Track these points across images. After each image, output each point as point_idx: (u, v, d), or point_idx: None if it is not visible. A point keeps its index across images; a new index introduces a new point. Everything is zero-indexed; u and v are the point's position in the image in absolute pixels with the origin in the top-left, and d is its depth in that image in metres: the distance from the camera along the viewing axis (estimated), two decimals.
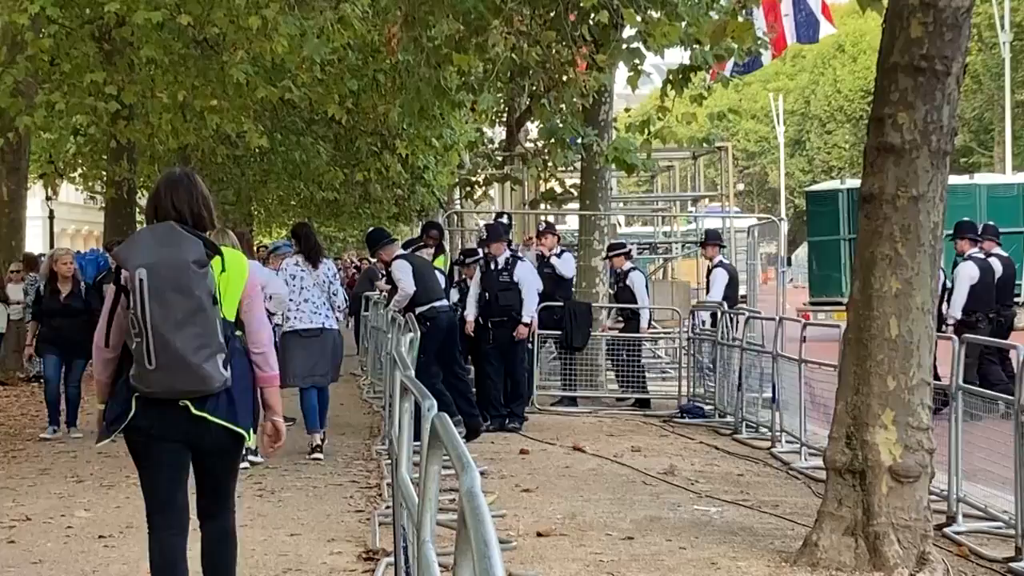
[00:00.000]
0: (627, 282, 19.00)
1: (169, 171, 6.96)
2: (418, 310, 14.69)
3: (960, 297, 17.19)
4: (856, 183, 37.01)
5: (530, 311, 16.40)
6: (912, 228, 8.51)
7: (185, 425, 6.41)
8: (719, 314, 17.87)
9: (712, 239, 20.10)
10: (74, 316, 15.43)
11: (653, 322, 20.41)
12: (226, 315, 6.51)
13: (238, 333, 6.68)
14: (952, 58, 8.45)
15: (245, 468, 11.76)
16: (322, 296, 14.05)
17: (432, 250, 18.06)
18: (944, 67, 8.44)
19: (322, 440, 13.95)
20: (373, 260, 21.77)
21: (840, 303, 28.89)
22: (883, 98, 8.66)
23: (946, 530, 9.77)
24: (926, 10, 8.41)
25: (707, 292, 20.18)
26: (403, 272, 15.10)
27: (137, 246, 6.48)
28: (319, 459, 13.52)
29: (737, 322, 17.25)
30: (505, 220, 17.62)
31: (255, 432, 6.80)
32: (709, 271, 19.98)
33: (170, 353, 6.25)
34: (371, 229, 20.85)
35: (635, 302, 18.92)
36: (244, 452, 12.25)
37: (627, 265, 19.22)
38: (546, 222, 20.21)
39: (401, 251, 15.89)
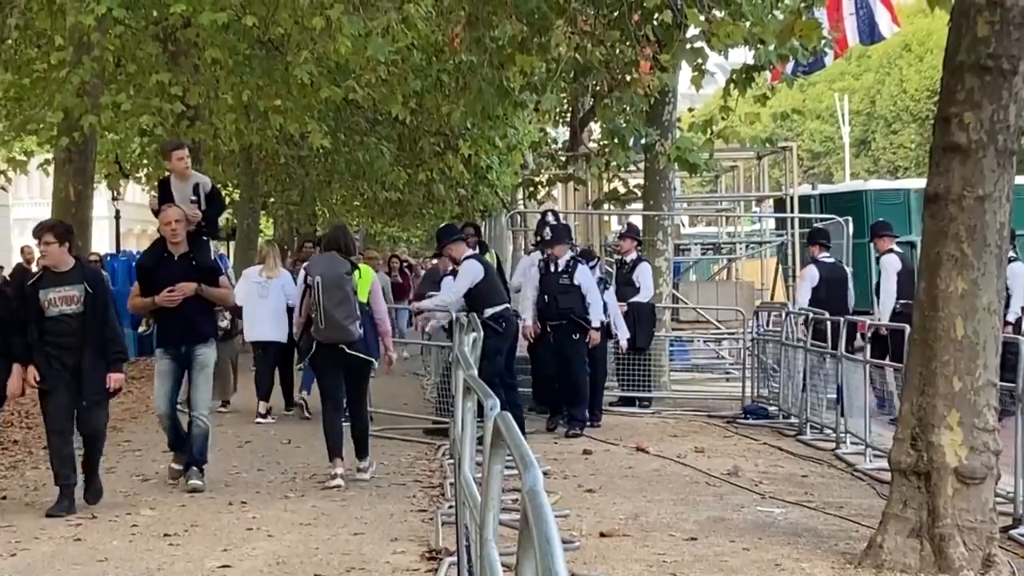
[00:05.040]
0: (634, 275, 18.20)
1: (334, 223, 16.98)
2: (489, 311, 14.32)
3: None
4: (827, 188, 37.16)
5: (598, 315, 15.83)
6: (978, 228, 8.45)
7: (342, 358, 11.97)
8: (784, 315, 17.74)
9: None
10: None
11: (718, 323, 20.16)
12: (360, 299, 12.01)
13: (367, 309, 12.17)
14: (1019, 57, 8.38)
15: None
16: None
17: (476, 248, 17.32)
18: (1011, 66, 8.37)
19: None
20: (432, 259, 21.81)
21: None
22: (949, 98, 8.59)
23: (1012, 532, 9.70)
24: (993, 9, 8.35)
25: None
26: (468, 274, 14.68)
27: (317, 264, 12.29)
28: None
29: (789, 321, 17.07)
30: (551, 219, 16.89)
31: (379, 360, 12.53)
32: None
33: (331, 320, 11.78)
34: (442, 224, 20.75)
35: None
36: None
37: (633, 255, 18.40)
38: (628, 224, 19.49)
39: (470, 251, 15.19)
